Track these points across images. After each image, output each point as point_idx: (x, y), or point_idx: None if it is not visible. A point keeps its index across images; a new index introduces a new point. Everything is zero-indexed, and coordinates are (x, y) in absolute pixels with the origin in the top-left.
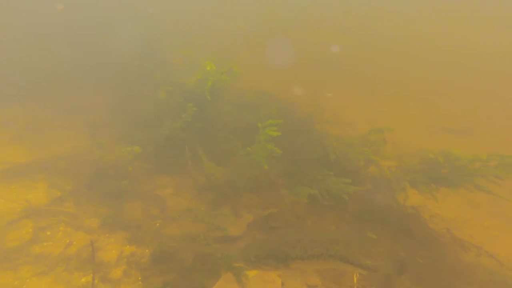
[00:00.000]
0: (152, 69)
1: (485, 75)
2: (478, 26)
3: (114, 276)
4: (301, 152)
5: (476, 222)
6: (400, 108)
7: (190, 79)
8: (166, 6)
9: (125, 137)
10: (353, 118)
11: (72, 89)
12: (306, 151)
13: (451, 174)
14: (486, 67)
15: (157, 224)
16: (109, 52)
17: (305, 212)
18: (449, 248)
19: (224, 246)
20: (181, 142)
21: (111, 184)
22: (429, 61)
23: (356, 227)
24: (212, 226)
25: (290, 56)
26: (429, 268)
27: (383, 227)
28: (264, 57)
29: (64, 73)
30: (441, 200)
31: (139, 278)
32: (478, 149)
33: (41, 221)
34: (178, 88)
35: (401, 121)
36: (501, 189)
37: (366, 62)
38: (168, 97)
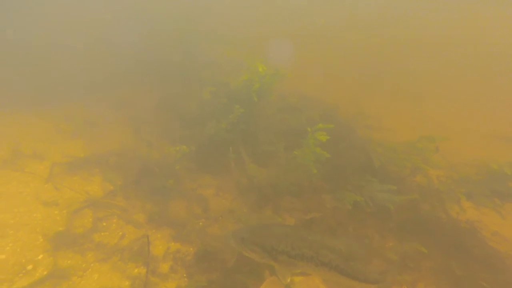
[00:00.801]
0: (196, 68)
1: None
2: None
3: (162, 271)
4: (344, 157)
5: None
6: (446, 113)
7: (236, 79)
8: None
9: (168, 134)
10: (395, 124)
11: (120, 86)
12: (348, 156)
13: None
14: None
15: (200, 223)
16: (155, 50)
17: (347, 219)
18: None
19: None
20: (223, 143)
21: (157, 182)
22: (479, 63)
23: (398, 238)
24: None
25: (326, 59)
26: None
27: (432, 240)
28: (302, 58)
29: (113, 71)
30: (507, 217)
31: (184, 275)
32: None
33: (98, 212)
34: (222, 88)
35: (448, 127)
36: None
37: (408, 66)
38: (212, 97)
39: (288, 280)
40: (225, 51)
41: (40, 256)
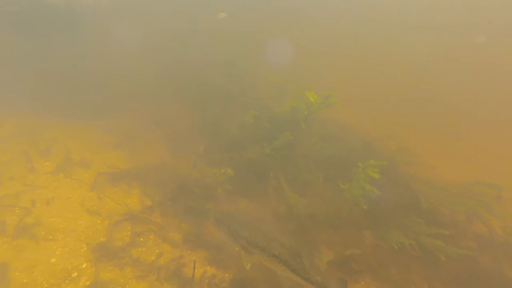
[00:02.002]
0: (238, 91)
1: None
2: None
3: None
4: (386, 193)
5: None
6: (498, 155)
7: (280, 105)
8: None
9: (207, 155)
10: (436, 161)
11: (162, 104)
12: (391, 192)
13: None
14: None
15: (236, 249)
16: (198, 70)
17: (389, 260)
18: None
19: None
20: (263, 168)
21: (195, 201)
22: None
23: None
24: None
25: (363, 86)
26: None
27: None
28: (344, 86)
29: (156, 89)
30: None
31: None
32: None
33: (137, 226)
34: (265, 112)
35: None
36: None
37: (453, 97)
38: (254, 121)
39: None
40: (267, 75)
41: (84, 265)
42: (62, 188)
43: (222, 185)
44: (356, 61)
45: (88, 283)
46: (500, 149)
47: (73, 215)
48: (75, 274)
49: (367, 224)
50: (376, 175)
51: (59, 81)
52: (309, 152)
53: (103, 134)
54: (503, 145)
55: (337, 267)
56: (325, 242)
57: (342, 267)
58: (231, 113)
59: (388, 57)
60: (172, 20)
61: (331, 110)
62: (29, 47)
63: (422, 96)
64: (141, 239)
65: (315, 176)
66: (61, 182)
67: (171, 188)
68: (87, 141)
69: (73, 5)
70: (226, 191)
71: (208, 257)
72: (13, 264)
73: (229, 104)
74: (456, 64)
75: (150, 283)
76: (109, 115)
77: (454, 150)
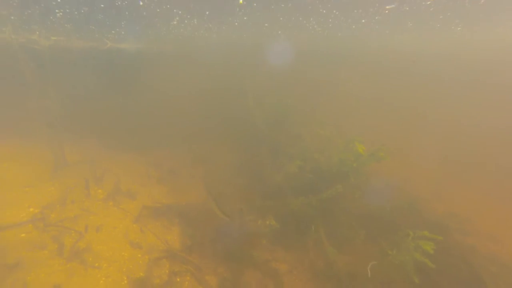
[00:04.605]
0: (281, 140)
1: None
2: None
3: None
4: (440, 265)
5: None
6: None
7: (328, 157)
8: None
9: (247, 199)
10: (499, 231)
11: (205, 142)
12: (445, 264)
13: None
14: None
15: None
16: (244, 115)
17: None
18: None
19: None
20: (303, 219)
21: (233, 246)
22: None
23: None
24: None
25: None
26: None
27: None
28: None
29: (200, 127)
30: None
31: None
32: None
33: (175, 265)
34: (309, 163)
35: None
36: None
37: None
38: (298, 170)
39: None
40: (312, 126)
41: None
42: (110, 217)
43: (266, 236)
44: (407, 114)
45: None
46: None
47: (117, 245)
48: None
49: None
50: (430, 249)
51: (117, 116)
52: (352, 207)
53: (149, 167)
54: None
55: None
56: None
57: None
58: (277, 162)
59: (443, 114)
60: (226, 67)
61: (378, 166)
62: (99, 86)
63: (479, 158)
64: (178, 279)
65: (355, 232)
66: (110, 210)
67: (211, 229)
68: (135, 173)
69: (142, 50)
70: (268, 240)
71: None
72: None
73: (275, 153)
74: None
75: None
76: (156, 149)
77: None
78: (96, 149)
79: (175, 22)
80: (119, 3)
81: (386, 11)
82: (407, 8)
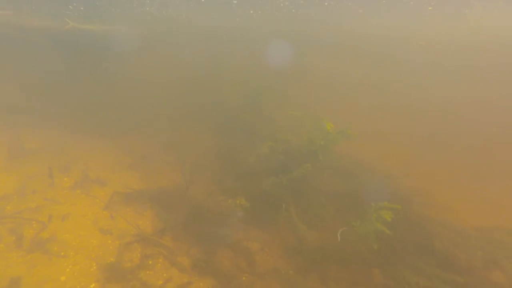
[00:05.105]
0: (255, 122)
1: None
2: None
3: None
4: (399, 233)
5: None
6: None
7: (296, 137)
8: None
9: (221, 181)
10: (458, 204)
11: (179, 128)
12: (404, 231)
13: None
14: None
15: (244, 278)
16: (219, 100)
17: None
18: None
19: None
20: (274, 198)
21: (207, 228)
22: None
23: None
24: None
25: (377, 119)
26: None
27: None
28: (364, 121)
29: (174, 112)
30: None
31: None
32: None
33: (146, 248)
34: (281, 144)
35: None
36: None
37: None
38: (270, 152)
39: None
40: (285, 108)
41: (92, 285)
42: (78, 205)
43: (236, 215)
44: (379, 95)
45: None
46: None
47: (86, 232)
48: None
49: (377, 262)
50: (388, 218)
51: (85, 102)
52: (322, 185)
53: (119, 153)
54: None
55: None
56: (335, 278)
57: None
58: (248, 143)
59: (415, 95)
60: (200, 46)
61: (347, 145)
62: (62, 69)
63: (447, 136)
64: (150, 262)
65: (325, 209)
66: (78, 199)
67: (184, 212)
68: (105, 159)
69: (109, 32)
70: (239, 220)
71: (216, 285)
72: (24, 279)
73: (249, 136)
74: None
75: None
76: (128, 135)
77: (480, 193)
78: (61, 135)
79: None
80: None
81: None
82: None
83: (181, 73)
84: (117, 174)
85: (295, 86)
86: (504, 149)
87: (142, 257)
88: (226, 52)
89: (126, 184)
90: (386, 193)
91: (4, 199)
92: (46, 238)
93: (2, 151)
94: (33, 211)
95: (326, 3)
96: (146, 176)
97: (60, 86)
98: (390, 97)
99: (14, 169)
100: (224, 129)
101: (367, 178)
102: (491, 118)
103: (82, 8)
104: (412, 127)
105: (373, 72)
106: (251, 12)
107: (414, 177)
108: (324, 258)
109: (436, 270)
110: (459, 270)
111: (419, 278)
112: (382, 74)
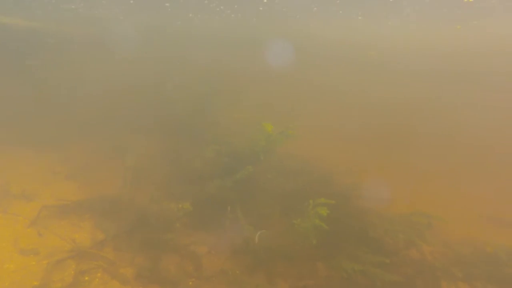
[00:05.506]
0: (200, 126)
1: None
2: None
3: None
4: (340, 224)
5: None
6: (443, 190)
7: (240, 140)
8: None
9: (167, 187)
10: (395, 195)
11: (123, 133)
12: (344, 224)
13: None
14: None
15: (190, 283)
16: (164, 103)
17: None
18: None
19: None
20: (222, 201)
21: (150, 234)
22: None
23: None
24: None
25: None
26: None
27: None
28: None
29: (120, 117)
30: None
31: None
32: None
33: (83, 263)
34: (225, 147)
35: (445, 205)
36: None
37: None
38: (215, 155)
39: None
40: (230, 112)
41: None
42: None
43: (180, 219)
44: (326, 95)
45: None
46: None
47: (1, 258)
48: None
49: (321, 255)
50: (324, 213)
51: (10, 107)
52: (268, 186)
53: (54, 163)
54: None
55: None
56: (281, 275)
57: None
58: (194, 147)
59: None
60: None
61: (294, 145)
62: None
63: (385, 134)
64: (86, 278)
65: (272, 209)
66: None
67: (127, 220)
68: (34, 170)
69: (36, 28)
70: (183, 223)
71: None
72: None
73: (193, 138)
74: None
75: None
76: (65, 145)
77: (407, 184)
78: None
79: None
80: None
81: None
82: None
83: (126, 79)
84: (50, 186)
85: (246, 91)
86: (427, 145)
87: (76, 274)
88: (169, 56)
89: (62, 196)
90: (328, 189)
91: None
92: None
93: None
94: None
95: (261, 8)
96: (86, 186)
97: None
98: (338, 97)
99: None
100: (170, 134)
101: (311, 176)
102: (423, 114)
103: None
104: (356, 125)
105: (319, 72)
106: (190, 15)
107: (356, 174)
108: (270, 257)
109: (368, 255)
110: (387, 252)
111: (354, 264)
112: (330, 75)
